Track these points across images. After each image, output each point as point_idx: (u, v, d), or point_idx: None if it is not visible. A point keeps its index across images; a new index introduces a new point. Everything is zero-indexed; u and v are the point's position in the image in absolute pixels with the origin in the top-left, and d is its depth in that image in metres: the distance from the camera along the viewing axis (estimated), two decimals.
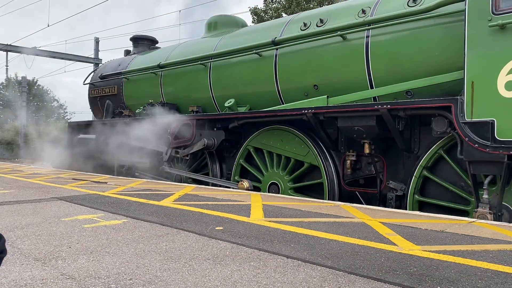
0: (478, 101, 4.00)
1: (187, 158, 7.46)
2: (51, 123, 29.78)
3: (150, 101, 8.19)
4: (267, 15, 24.01)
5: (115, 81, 9.58)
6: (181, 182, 7.52)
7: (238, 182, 6.52)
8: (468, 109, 4.05)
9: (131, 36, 10.58)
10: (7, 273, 2.00)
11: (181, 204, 4.21)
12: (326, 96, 5.61)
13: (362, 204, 5.29)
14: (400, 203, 5.05)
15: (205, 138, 6.81)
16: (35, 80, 38.34)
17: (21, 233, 2.85)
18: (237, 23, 8.17)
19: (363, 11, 5.38)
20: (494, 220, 3.95)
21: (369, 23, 5.21)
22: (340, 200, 5.52)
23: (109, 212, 3.73)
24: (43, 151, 12.08)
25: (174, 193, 5.12)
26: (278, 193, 6.02)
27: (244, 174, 6.77)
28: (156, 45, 10.54)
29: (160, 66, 8.18)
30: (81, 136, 9.92)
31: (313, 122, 5.46)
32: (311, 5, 20.73)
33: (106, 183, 6.37)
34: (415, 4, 4.90)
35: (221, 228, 3.12)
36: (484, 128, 3.93)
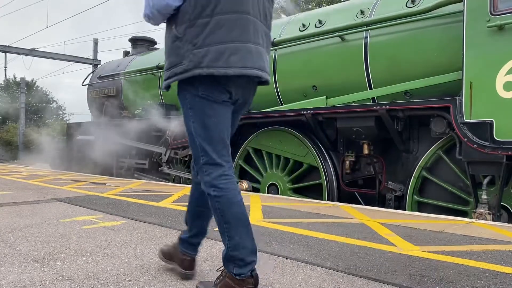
0: (477, 102, 4.01)
1: (186, 159, 7.46)
2: (50, 124, 29.77)
3: (149, 102, 8.19)
4: None
5: (114, 82, 9.58)
6: (180, 183, 7.52)
7: (237, 183, 6.52)
8: (466, 110, 4.06)
9: (130, 37, 10.58)
10: (6, 275, 2.00)
11: (180, 205, 4.21)
12: (325, 97, 5.62)
13: (361, 204, 5.30)
14: (399, 203, 5.05)
15: None
16: (34, 81, 38.31)
17: (19, 235, 2.85)
18: None
19: (362, 12, 5.39)
20: (493, 220, 3.95)
21: (368, 24, 5.22)
22: (339, 200, 5.52)
23: (108, 213, 3.73)
24: (42, 152, 12.07)
25: (173, 194, 5.12)
26: (277, 194, 6.02)
27: (243, 175, 6.77)
28: (155, 46, 10.54)
29: (158, 67, 8.18)
30: (80, 137, 9.92)
31: (312, 123, 5.46)
32: (310, 6, 20.76)
33: (105, 184, 6.36)
34: (413, 5, 4.91)
35: None
36: (483, 129, 3.93)
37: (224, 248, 1.74)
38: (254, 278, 1.70)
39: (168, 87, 1.81)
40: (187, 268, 1.97)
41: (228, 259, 1.71)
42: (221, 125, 1.73)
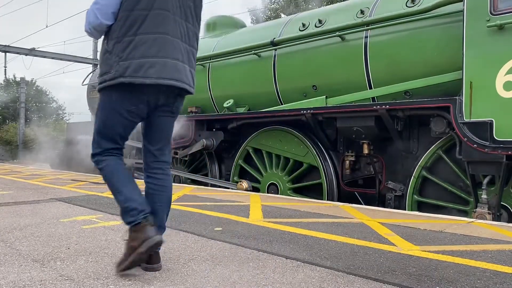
0: (477, 101, 4.01)
1: (186, 158, 7.46)
2: (50, 124, 29.77)
3: None
4: (265, 16, 24.04)
5: None
6: (180, 183, 7.52)
7: (237, 182, 6.52)
8: (466, 109, 4.06)
9: None
10: (6, 274, 2.00)
11: (180, 205, 4.21)
12: (325, 96, 5.62)
13: (361, 204, 5.30)
14: (399, 203, 5.05)
15: (204, 139, 6.81)
16: (33, 81, 38.32)
17: (19, 234, 2.85)
18: (236, 24, 8.17)
19: (362, 12, 5.39)
20: (493, 220, 3.96)
21: (367, 23, 5.22)
22: (339, 200, 5.52)
23: (108, 213, 3.73)
24: (42, 152, 12.06)
25: (173, 194, 5.11)
26: (277, 193, 6.02)
27: (243, 174, 6.77)
28: None
29: None
30: (80, 137, 9.90)
31: (312, 122, 5.47)
32: (310, 6, 20.78)
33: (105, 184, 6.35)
34: (413, 5, 4.91)
35: (220, 228, 3.12)
36: (483, 128, 3.93)
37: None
38: (149, 220, 2.01)
39: (99, 90, 2.15)
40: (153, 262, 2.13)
41: (123, 212, 2.05)
42: (118, 128, 2.12)
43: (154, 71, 1.99)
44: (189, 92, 2.20)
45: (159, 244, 2.00)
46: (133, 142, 8.41)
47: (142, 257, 1.95)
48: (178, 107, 2.24)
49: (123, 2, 2.02)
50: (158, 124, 2.20)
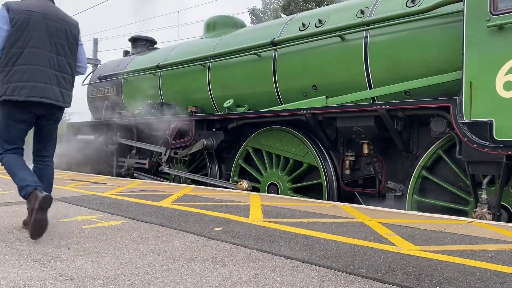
0: (477, 101, 4.01)
1: (186, 158, 7.46)
2: None
3: (149, 101, 8.19)
4: (265, 16, 24.06)
5: (114, 82, 9.58)
6: (180, 183, 7.52)
7: (237, 182, 6.52)
8: (466, 109, 4.06)
9: (130, 37, 10.57)
10: (6, 274, 2.00)
11: (180, 205, 4.21)
12: (325, 96, 5.62)
13: (361, 204, 5.30)
14: (399, 203, 5.05)
15: (204, 139, 6.81)
16: None
17: (19, 234, 2.85)
18: (236, 24, 8.17)
19: (362, 12, 5.39)
20: (492, 220, 3.96)
21: (367, 23, 5.22)
22: (339, 200, 5.52)
23: (108, 213, 3.73)
24: None
25: (173, 194, 5.12)
26: (277, 193, 6.02)
27: (243, 174, 6.77)
28: (155, 46, 10.53)
29: (158, 67, 8.18)
30: (80, 136, 9.90)
31: (312, 122, 5.47)
32: (310, 6, 20.78)
33: (105, 184, 6.36)
34: (413, 5, 4.91)
35: (220, 228, 3.12)
36: (483, 128, 3.93)
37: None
38: (38, 189, 2.69)
39: None
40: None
41: (19, 189, 2.77)
42: (14, 132, 2.95)
43: (26, 91, 2.84)
44: (61, 107, 3.06)
45: (48, 199, 2.62)
46: (134, 142, 8.43)
47: (39, 216, 2.58)
48: (58, 117, 3.11)
49: (6, 41, 2.83)
50: (43, 131, 3.10)
